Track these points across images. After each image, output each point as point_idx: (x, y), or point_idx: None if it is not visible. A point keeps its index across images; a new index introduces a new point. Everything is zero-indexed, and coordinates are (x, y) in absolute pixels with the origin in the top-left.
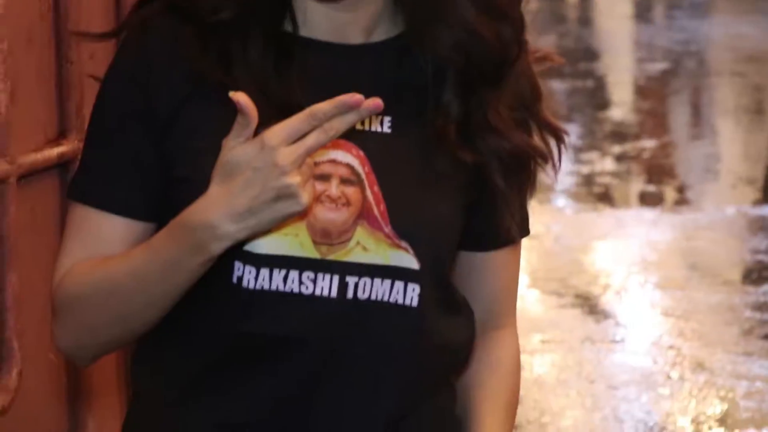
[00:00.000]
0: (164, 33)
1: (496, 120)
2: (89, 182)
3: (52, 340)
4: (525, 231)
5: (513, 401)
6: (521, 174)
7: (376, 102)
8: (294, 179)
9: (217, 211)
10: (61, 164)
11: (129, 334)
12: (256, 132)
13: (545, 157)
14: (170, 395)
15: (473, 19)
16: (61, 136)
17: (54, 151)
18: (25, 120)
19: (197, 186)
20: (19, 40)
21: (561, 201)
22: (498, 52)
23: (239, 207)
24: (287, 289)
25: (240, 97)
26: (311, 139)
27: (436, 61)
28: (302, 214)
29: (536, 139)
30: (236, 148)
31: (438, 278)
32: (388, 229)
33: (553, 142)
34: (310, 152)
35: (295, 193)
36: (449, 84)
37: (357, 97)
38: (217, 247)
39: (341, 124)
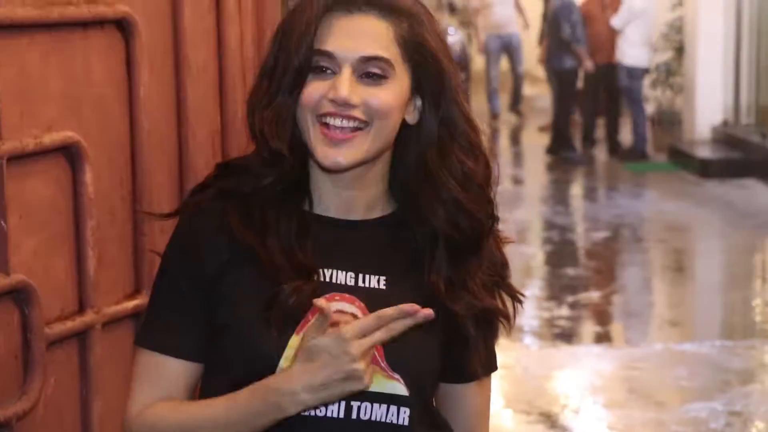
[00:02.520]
0: (212, 212)
1: (473, 283)
2: (153, 331)
3: None
4: (492, 368)
5: None
6: (488, 326)
7: (427, 311)
8: (361, 365)
9: (299, 382)
10: (135, 314)
11: None
12: (276, 278)
13: (508, 318)
14: None
15: (460, 197)
16: (136, 291)
17: (130, 304)
18: (108, 279)
19: (235, 331)
20: (105, 218)
21: (528, 339)
22: (479, 223)
23: (317, 382)
24: (307, 413)
25: (323, 304)
26: (377, 336)
27: (429, 230)
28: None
29: (500, 300)
30: (318, 338)
31: (423, 403)
32: (384, 364)
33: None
34: (375, 345)
35: (361, 376)
36: (440, 249)
37: (415, 307)
38: (294, 410)
39: (399, 325)
